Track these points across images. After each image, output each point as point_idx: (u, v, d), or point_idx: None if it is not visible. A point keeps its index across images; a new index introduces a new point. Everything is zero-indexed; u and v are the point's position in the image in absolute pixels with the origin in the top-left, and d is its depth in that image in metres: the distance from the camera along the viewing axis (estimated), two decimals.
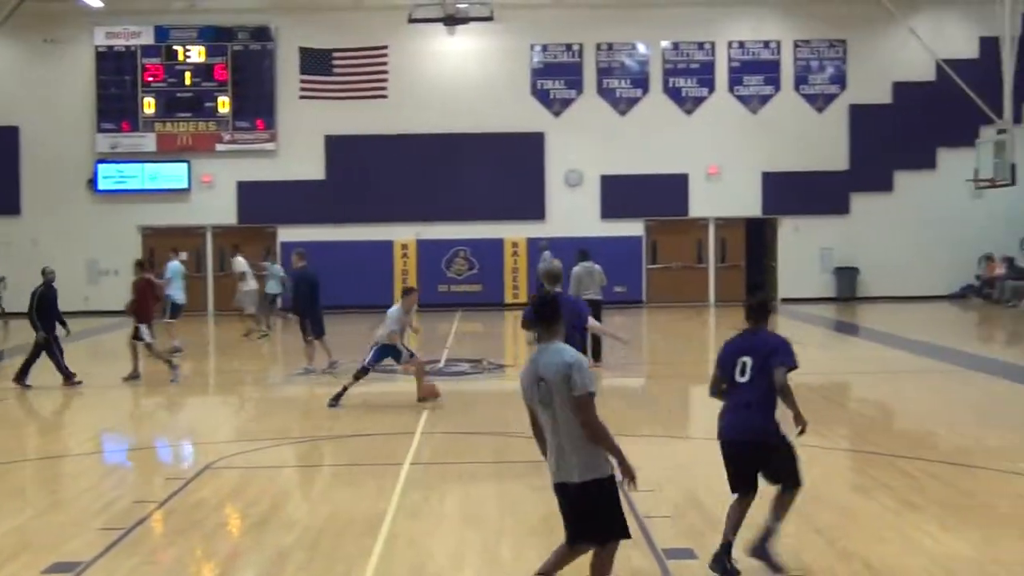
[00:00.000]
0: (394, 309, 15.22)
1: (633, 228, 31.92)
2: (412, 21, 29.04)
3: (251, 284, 24.91)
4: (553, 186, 31.89)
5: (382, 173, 31.37)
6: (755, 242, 32.83)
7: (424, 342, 25.08)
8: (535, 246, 30.74)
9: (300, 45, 31.40)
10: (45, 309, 17.14)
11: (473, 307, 30.62)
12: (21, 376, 17.03)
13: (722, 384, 7.60)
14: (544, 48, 31.94)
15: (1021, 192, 28.89)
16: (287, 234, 30.95)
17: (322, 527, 8.84)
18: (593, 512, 6.33)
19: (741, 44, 32.05)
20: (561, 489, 6.41)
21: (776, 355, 7.40)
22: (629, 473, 6.33)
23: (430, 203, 31.38)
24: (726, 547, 7.37)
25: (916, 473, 10.43)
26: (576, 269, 18.70)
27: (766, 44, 32.07)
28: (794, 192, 31.69)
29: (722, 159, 31.84)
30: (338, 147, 31.54)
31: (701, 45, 31.99)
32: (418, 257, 31.66)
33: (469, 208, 31.42)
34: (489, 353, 21.40)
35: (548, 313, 6.48)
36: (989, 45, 29.31)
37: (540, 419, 6.47)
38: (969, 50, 31.15)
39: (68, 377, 17.11)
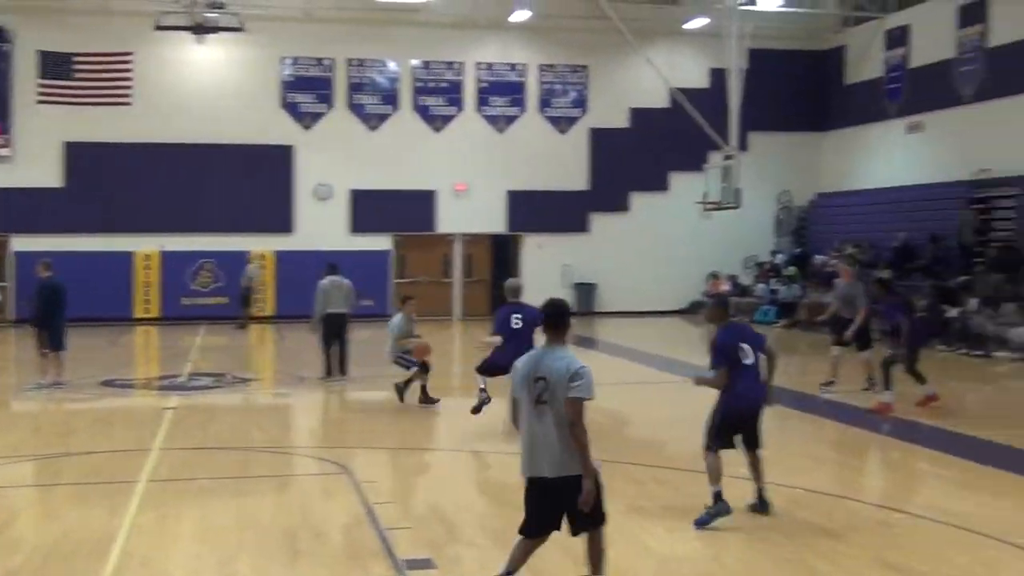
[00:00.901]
0: (397, 318, 15.71)
1: (381, 243, 32.13)
2: (159, 28, 28.20)
3: None
4: (302, 199, 31.69)
5: (125, 182, 30.33)
6: (500, 258, 33.55)
7: (167, 356, 24.63)
8: (284, 260, 30.60)
9: (38, 48, 29.96)
10: None
11: (218, 320, 30.03)
12: None
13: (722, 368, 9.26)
14: (295, 61, 31.76)
15: (745, 215, 31.09)
16: (22, 243, 29.46)
17: (51, 548, 8.58)
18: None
19: (489, 66, 32.81)
20: (549, 483, 6.73)
21: (762, 338, 9.57)
22: (591, 473, 6.75)
23: (175, 214, 30.58)
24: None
25: (644, 479, 11.01)
26: (323, 283, 18.46)
27: (513, 67, 32.99)
28: (537, 210, 32.72)
29: (469, 176, 32.50)
30: (78, 154, 30.27)
31: (450, 65, 32.57)
32: (162, 269, 30.75)
33: (216, 220, 30.80)
34: (233, 367, 21.13)
35: (557, 318, 7.00)
36: (718, 76, 31.12)
37: (523, 413, 6.84)
38: (700, 80, 33.02)
39: None
